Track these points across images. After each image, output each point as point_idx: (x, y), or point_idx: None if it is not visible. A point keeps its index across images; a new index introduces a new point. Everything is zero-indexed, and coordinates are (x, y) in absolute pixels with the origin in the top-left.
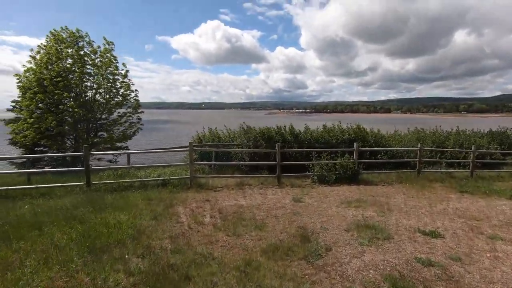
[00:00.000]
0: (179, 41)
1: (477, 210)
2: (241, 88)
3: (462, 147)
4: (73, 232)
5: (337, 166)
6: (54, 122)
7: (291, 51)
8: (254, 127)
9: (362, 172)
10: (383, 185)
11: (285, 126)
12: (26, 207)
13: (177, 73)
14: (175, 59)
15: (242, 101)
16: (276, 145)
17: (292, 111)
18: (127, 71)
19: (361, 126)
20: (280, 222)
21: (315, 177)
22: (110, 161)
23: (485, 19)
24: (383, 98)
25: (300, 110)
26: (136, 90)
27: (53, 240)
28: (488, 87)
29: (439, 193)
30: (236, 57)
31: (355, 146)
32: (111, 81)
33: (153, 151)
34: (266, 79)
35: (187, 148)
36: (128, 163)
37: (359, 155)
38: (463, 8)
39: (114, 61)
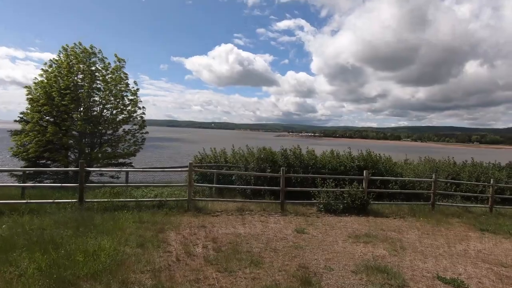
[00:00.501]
0: (193, 62)
1: (503, 254)
2: (251, 109)
3: (479, 180)
4: (44, 260)
5: (345, 195)
6: (56, 134)
7: (302, 75)
8: (260, 148)
9: (372, 202)
10: (394, 218)
11: (290, 149)
12: (3, 226)
13: (190, 92)
14: (188, 79)
15: (252, 122)
16: (281, 170)
17: (301, 134)
18: (138, 89)
19: (372, 152)
20: (280, 257)
21: (321, 206)
22: (112, 177)
23: (497, 51)
24: (393, 125)
25: (309, 134)
26: (143, 107)
27: (18, 269)
28: (501, 119)
29: (457, 230)
30: (248, 80)
31: (364, 174)
32: (119, 97)
33: (151, 170)
34: (276, 102)
35: (187, 169)
36: (126, 181)
37: (369, 184)
38: (474, 39)
39: (124, 78)
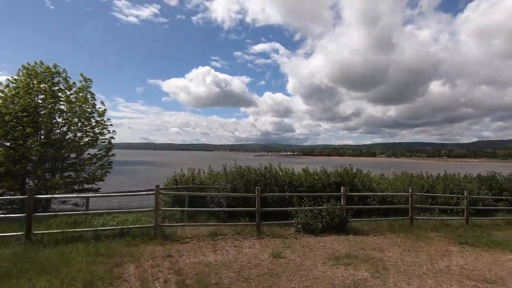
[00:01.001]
0: (170, 85)
1: (486, 269)
2: (230, 130)
3: (453, 192)
4: None
5: (323, 213)
6: (9, 158)
7: (279, 96)
8: (233, 168)
9: (351, 220)
10: (374, 235)
11: (266, 167)
12: None
13: (167, 114)
14: (165, 101)
15: (231, 143)
16: (256, 189)
17: (280, 153)
18: (105, 110)
19: (348, 168)
20: None
21: (299, 226)
22: (76, 204)
23: (457, 71)
24: (368, 142)
25: (288, 153)
26: (113, 131)
27: None
28: (466, 134)
29: (438, 245)
30: (226, 101)
31: (342, 191)
32: (84, 118)
33: (113, 195)
34: (254, 122)
35: (153, 192)
36: (87, 208)
37: (347, 200)
38: (436, 60)
39: (91, 99)
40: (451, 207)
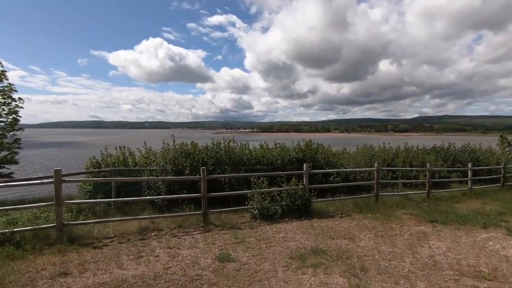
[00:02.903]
0: (118, 57)
1: (473, 256)
2: (187, 107)
3: (412, 165)
4: None
5: (283, 195)
6: None
7: (237, 72)
8: (178, 143)
9: (314, 200)
10: (340, 217)
11: (216, 143)
12: None
13: (117, 90)
14: (113, 75)
15: (189, 120)
16: (201, 170)
17: (239, 130)
18: (4, 71)
19: (309, 142)
20: None
21: (256, 211)
22: None
23: (403, 51)
24: (323, 118)
25: (247, 130)
26: (19, 99)
27: None
28: (409, 110)
29: (409, 226)
30: (181, 76)
31: (304, 168)
32: None
33: None
34: (212, 99)
35: (51, 180)
36: None
37: (310, 179)
38: (384, 41)
39: None
40: (413, 181)
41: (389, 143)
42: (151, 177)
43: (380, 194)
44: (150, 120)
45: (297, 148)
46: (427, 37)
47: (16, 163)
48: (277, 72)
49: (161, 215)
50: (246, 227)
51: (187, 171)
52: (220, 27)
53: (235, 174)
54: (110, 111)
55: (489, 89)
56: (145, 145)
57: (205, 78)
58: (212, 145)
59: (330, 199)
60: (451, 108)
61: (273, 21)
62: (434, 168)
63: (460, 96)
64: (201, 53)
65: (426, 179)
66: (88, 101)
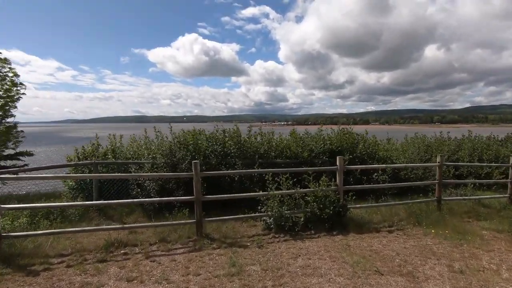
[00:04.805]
0: (157, 54)
1: None
2: (222, 101)
3: (482, 159)
4: None
5: (308, 198)
6: None
7: (271, 64)
8: (174, 132)
9: (351, 206)
10: (389, 231)
11: (223, 131)
12: None
13: (157, 86)
14: (153, 72)
15: (225, 114)
16: (193, 164)
17: (274, 123)
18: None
19: (348, 129)
20: None
21: (270, 220)
22: None
23: (452, 34)
24: (361, 110)
25: (282, 123)
26: (21, 85)
27: None
28: (458, 100)
29: (500, 251)
30: (216, 70)
31: (338, 162)
32: None
33: None
34: (247, 92)
35: None
36: None
37: (346, 177)
38: (431, 23)
39: None
40: (490, 180)
41: (448, 132)
42: (133, 174)
43: (444, 198)
44: (188, 114)
45: (333, 137)
46: (481, 16)
47: (30, 154)
48: (312, 62)
49: (142, 224)
50: (252, 245)
51: (183, 166)
52: (253, 19)
53: (239, 171)
54: (151, 106)
55: None
56: (133, 135)
57: (239, 72)
58: (215, 134)
59: (374, 204)
60: (510, 96)
61: (307, 9)
62: None
63: None
64: (235, 46)
65: (509, 178)
66: (131, 97)
